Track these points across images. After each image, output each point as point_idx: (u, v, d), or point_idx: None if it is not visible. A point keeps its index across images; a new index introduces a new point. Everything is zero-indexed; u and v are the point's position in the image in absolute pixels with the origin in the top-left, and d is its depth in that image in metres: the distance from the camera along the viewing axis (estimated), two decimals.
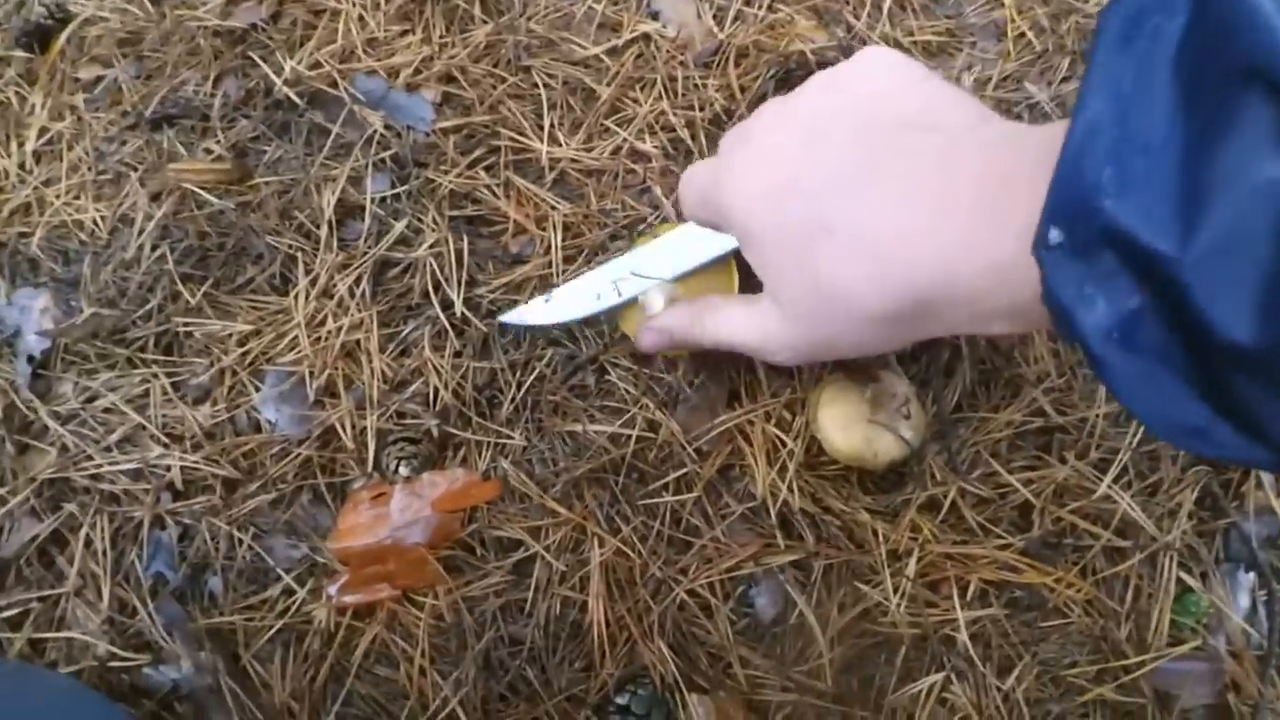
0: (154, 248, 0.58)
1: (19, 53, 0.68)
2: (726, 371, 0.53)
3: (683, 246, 0.49)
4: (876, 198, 0.30)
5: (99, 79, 0.65)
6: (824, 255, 0.31)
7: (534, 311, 0.52)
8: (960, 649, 0.50)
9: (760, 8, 0.61)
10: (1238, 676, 0.52)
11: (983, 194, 0.27)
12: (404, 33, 0.61)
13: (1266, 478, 0.55)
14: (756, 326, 0.38)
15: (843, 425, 0.47)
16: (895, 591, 0.50)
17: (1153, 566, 0.52)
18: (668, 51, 0.59)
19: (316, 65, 0.60)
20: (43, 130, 0.65)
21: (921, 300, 0.30)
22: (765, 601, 0.51)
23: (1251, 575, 0.54)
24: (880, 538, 0.50)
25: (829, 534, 0.51)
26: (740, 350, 0.41)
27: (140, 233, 0.58)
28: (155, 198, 0.59)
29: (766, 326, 0.37)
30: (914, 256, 0.29)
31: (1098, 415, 0.53)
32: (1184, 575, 0.52)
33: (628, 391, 0.53)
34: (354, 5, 0.62)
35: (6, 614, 0.54)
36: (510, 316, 0.52)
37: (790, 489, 0.50)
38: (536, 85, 0.59)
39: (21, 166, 0.64)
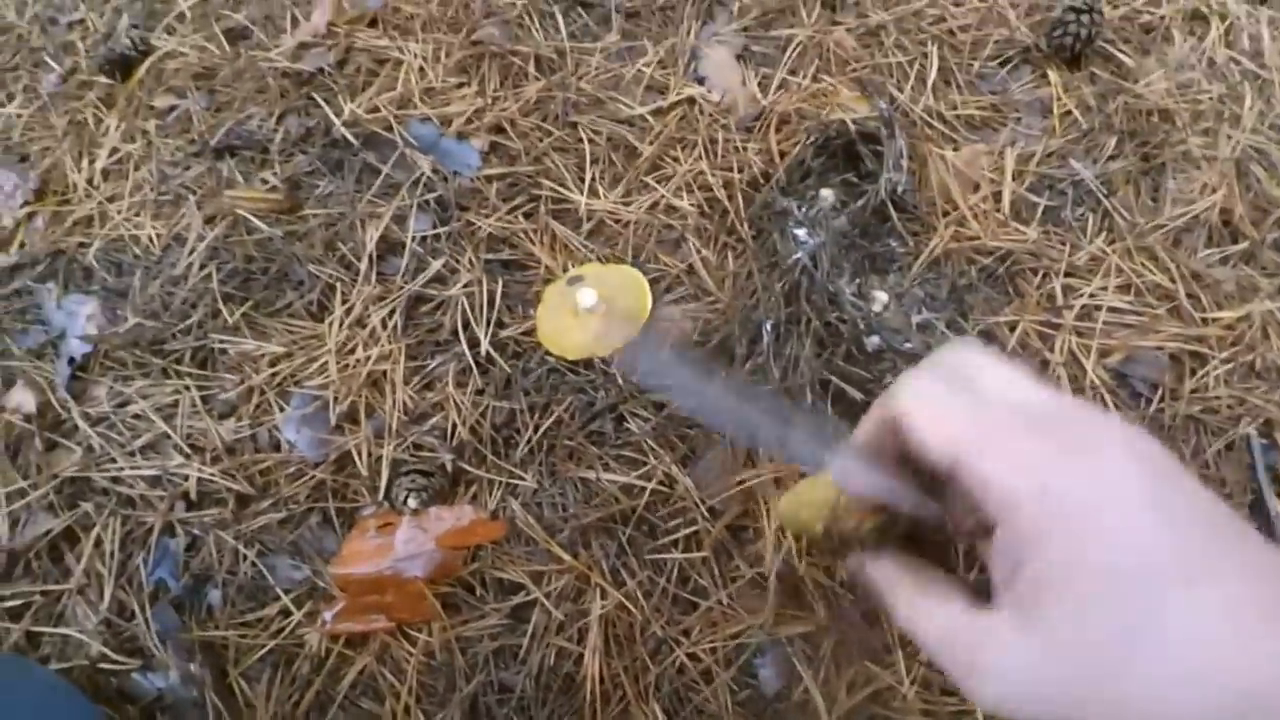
0: (202, 267, 0.64)
1: (101, 78, 0.78)
2: None
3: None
4: (1254, 553, 0.28)
5: (172, 108, 0.74)
6: (1187, 602, 0.27)
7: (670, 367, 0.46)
8: None
9: (804, 77, 0.67)
10: None
11: None
12: (460, 85, 0.69)
13: None
14: (975, 643, 0.30)
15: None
16: (909, 674, 0.51)
17: None
18: (711, 115, 0.65)
19: (374, 109, 0.67)
20: (113, 150, 0.73)
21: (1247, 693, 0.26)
22: (770, 673, 0.52)
23: None
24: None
25: (841, 607, 0.52)
26: (935, 659, 0.31)
27: (191, 252, 0.65)
28: (209, 220, 0.66)
29: (990, 645, 0.29)
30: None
31: None
32: None
33: (646, 443, 0.56)
34: (416, 56, 0.70)
35: (9, 604, 0.58)
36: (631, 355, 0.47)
37: (802, 557, 0.52)
38: (581, 140, 0.65)
39: (90, 181, 0.73)
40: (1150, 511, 0.28)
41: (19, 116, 0.79)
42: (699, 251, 0.60)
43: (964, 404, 0.31)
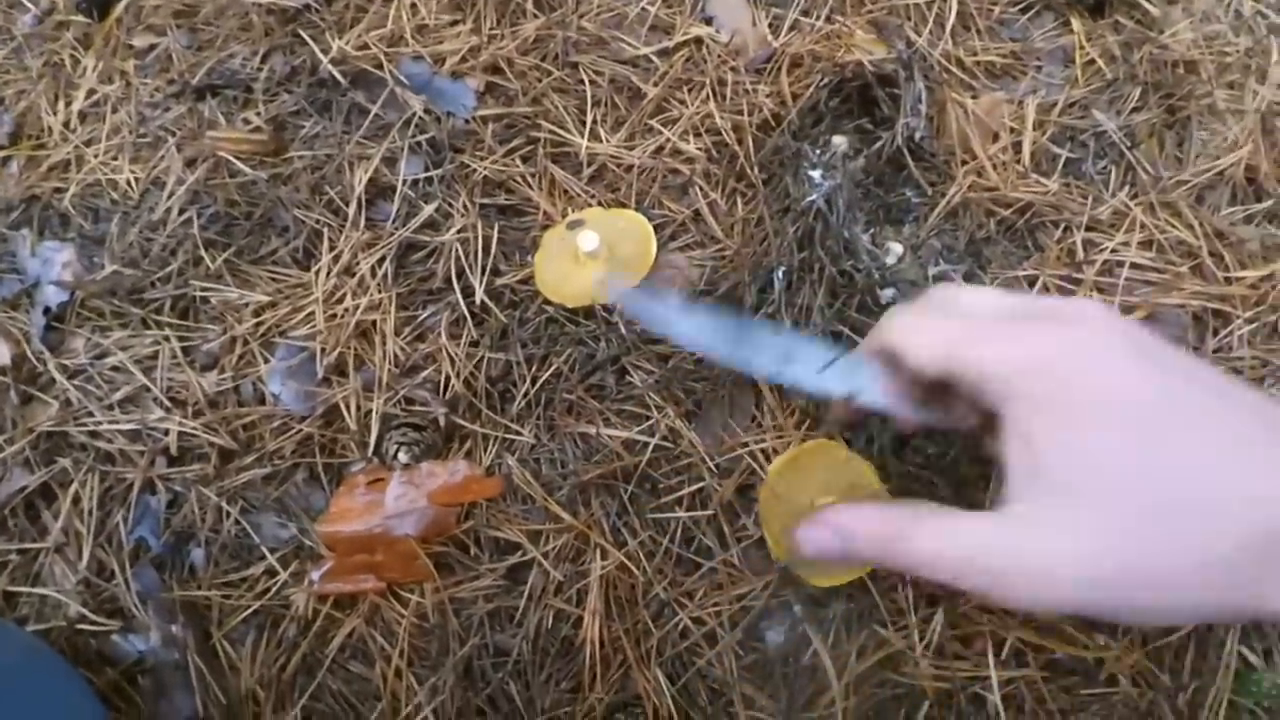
0: (181, 211, 0.60)
1: (78, 17, 0.73)
2: (755, 387, 0.52)
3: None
4: (1243, 397, 0.28)
5: (152, 47, 0.69)
6: (1189, 438, 0.26)
7: (668, 310, 0.40)
8: (990, 710, 0.47)
9: (817, 18, 0.62)
10: None
11: None
12: (454, 22, 0.64)
13: None
14: (1021, 548, 0.28)
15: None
16: (921, 640, 0.48)
17: (1210, 639, 0.49)
18: (719, 56, 0.61)
19: (364, 47, 0.63)
20: (90, 92, 0.68)
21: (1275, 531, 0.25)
22: (776, 637, 0.49)
23: None
24: (908, 581, 0.48)
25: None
26: (977, 586, 0.29)
27: (170, 195, 0.60)
28: (190, 163, 0.61)
29: (1043, 546, 0.27)
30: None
31: None
32: (1245, 651, 0.49)
33: (649, 396, 0.52)
34: None
35: None
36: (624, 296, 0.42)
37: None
38: (582, 81, 0.61)
39: (66, 125, 0.68)
40: (1137, 363, 0.28)
41: None
42: (706, 196, 0.56)
43: (948, 316, 0.32)
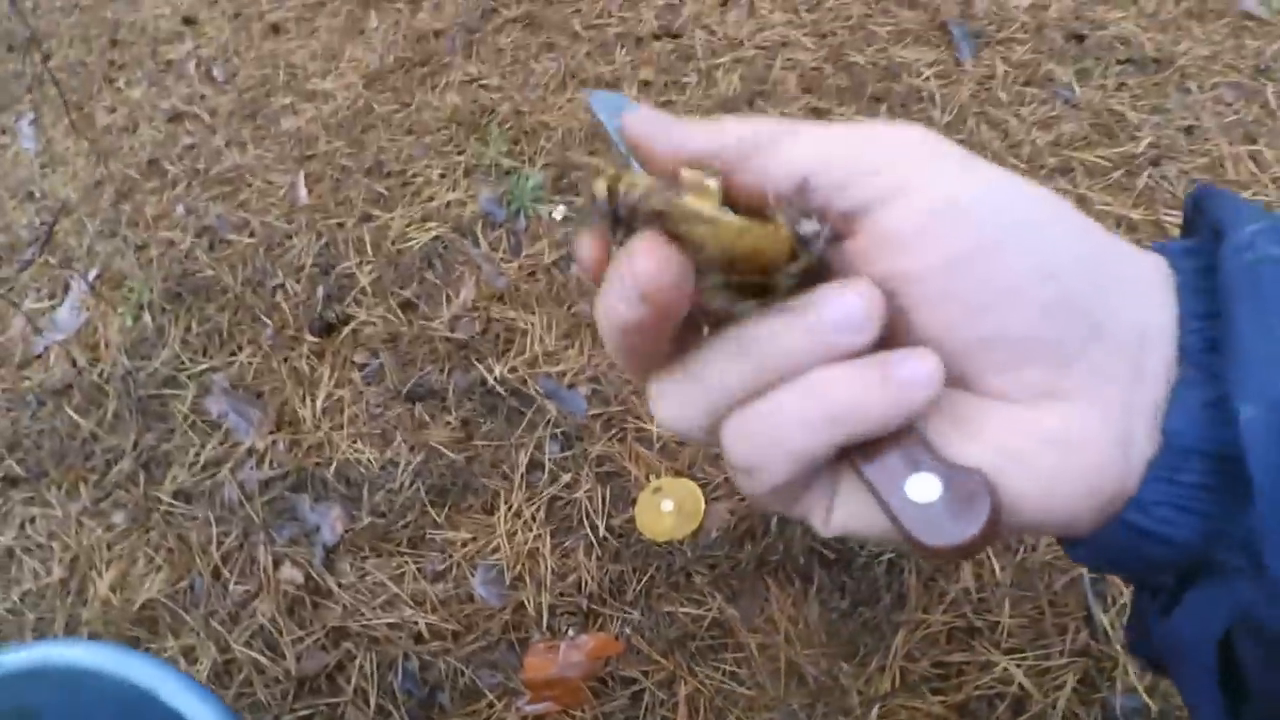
0: (410, 483, 1.03)
1: (309, 336, 1.17)
2: (764, 580, 0.94)
3: None
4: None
5: (368, 363, 1.13)
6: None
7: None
8: None
9: None
10: None
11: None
12: (566, 347, 1.09)
13: (1134, 665, 0.93)
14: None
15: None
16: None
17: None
18: None
19: (514, 370, 1.07)
20: (329, 394, 1.12)
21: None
22: None
23: None
24: (858, 693, 0.90)
25: (825, 685, 0.90)
26: None
27: (402, 473, 1.03)
28: (412, 449, 1.05)
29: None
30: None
31: (1008, 620, 0.93)
32: None
33: (705, 589, 0.94)
34: (534, 327, 1.10)
35: (301, 714, 0.94)
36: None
37: (799, 657, 0.90)
38: None
39: (314, 416, 1.11)
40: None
41: (249, 363, 1.18)
42: None
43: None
